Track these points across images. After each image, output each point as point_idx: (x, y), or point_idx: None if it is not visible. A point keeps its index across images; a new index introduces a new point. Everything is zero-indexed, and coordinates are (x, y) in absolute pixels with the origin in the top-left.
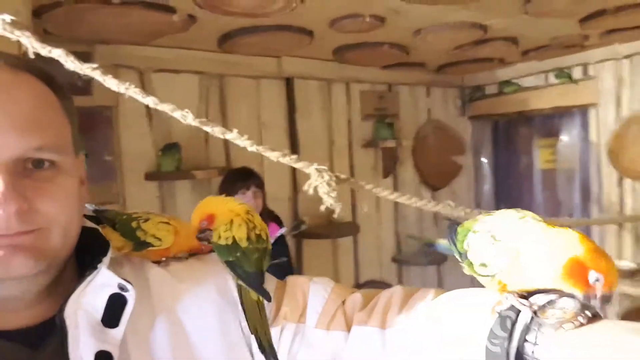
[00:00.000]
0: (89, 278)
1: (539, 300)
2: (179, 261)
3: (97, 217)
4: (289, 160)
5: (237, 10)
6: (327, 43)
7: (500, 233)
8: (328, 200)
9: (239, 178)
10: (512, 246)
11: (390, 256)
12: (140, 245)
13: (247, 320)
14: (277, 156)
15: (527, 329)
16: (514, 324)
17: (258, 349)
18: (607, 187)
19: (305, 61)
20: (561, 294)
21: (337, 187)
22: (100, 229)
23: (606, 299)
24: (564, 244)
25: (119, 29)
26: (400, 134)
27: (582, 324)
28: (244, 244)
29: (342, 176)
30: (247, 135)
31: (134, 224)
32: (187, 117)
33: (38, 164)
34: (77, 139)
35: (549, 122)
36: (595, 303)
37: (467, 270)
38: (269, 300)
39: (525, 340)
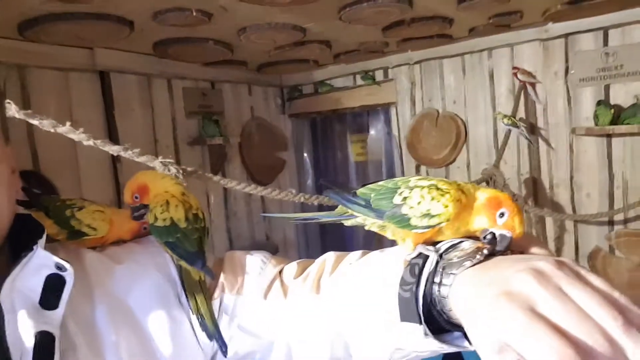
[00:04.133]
0: (24, 260)
1: (443, 245)
2: (116, 245)
3: (30, 201)
4: (131, 154)
5: None
6: (147, 36)
7: (445, 187)
8: None
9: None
10: (458, 196)
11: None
12: (75, 234)
13: (188, 301)
14: (117, 150)
15: (434, 273)
16: (421, 269)
17: (200, 328)
18: (408, 174)
19: (122, 54)
20: (466, 239)
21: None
22: (32, 214)
23: (502, 240)
24: (497, 194)
25: None
26: (226, 131)
27: (480, 261)
28: (182, 224)
29: (189, 169)
30: (82, 129)
31: (67, 212)
32: (9, 109)
33: None
34: (7, 128)
35: (359, 119)
36: (500, 238)
37: (377, 227)
38: (212, 277)
39: (433, 282)
